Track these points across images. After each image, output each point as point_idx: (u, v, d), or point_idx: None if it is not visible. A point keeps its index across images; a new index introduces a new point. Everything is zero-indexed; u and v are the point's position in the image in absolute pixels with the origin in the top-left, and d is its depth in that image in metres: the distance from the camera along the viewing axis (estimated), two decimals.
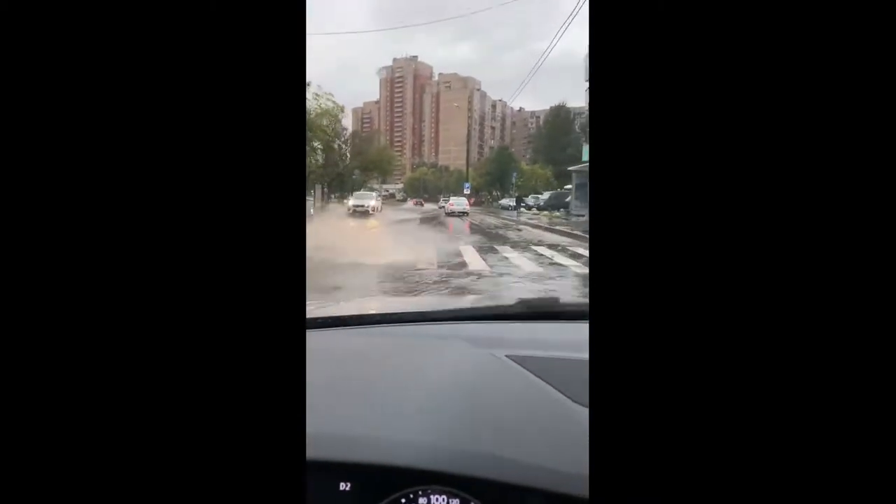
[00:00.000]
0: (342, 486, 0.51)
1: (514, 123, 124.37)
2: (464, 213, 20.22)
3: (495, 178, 47.05)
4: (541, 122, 77.79)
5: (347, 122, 40.89)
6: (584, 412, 0.55)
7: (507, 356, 0.72)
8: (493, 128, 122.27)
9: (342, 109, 39.42)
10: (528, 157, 61.02)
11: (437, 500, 0.50)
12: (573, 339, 0.78)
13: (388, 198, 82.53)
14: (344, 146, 39.96)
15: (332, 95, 38.46)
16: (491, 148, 77.30)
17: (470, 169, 40.95)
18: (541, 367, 0.68)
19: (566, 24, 12.45)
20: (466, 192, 27.38)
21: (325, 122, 40.27)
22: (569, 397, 0.60)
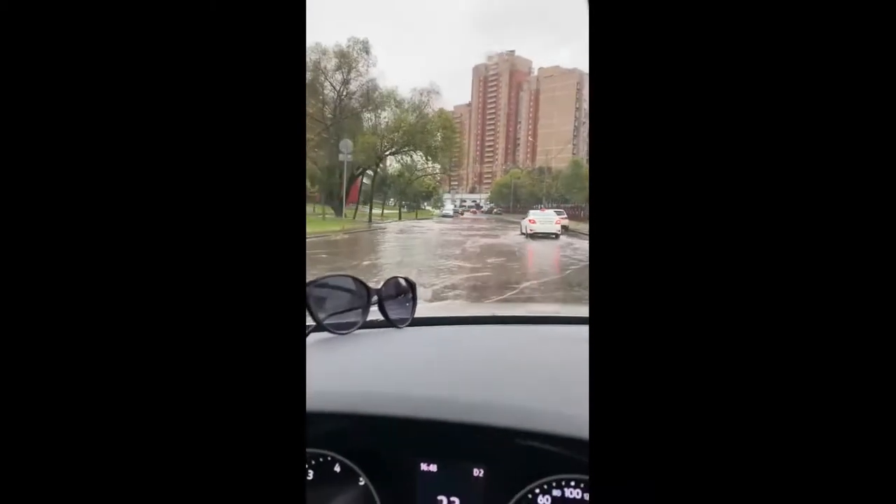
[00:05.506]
0: (476, 472, 0.51)
1: None
2: (550, 234, 14.88)
3: None
4: None
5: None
6: None
7: None
8: None
9: (366, 48, 21.62)
10: None
11: (570, 492, 0.50)
12: None
13: (473, 210, 64.82)
14: (370, 112, 22.69)
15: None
16: None
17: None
18: None
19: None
20: None
21: (331, 65, 20.83)
22: None
